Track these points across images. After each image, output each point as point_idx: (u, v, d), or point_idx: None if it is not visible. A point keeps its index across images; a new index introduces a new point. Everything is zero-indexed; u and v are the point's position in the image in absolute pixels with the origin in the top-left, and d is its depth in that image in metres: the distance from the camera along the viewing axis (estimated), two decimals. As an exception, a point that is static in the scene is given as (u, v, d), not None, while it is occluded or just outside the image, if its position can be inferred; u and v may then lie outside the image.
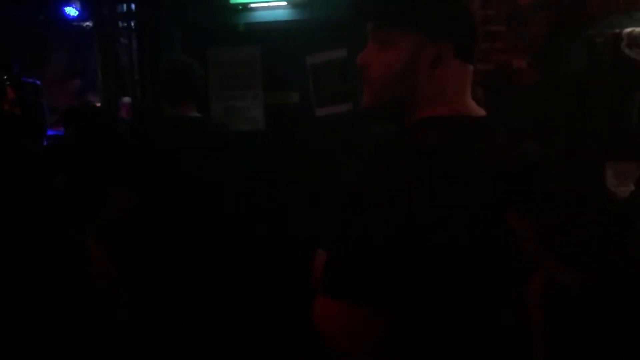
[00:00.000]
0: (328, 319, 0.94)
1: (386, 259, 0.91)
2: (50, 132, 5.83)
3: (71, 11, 6.13)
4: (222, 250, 2.21)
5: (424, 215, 0.92)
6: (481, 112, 1.12)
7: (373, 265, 0.91)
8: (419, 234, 0.92)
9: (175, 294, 2.05)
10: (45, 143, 5.25)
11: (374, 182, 0.96)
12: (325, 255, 1.05)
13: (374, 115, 1.15)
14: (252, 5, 3.63)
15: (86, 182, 3.23)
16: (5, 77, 5.41)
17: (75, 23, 6.78)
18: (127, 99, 6.12)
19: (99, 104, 5.71)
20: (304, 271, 1.25)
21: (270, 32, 3.65)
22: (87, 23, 6.96)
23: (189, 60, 2.54)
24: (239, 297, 2.29)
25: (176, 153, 2.33)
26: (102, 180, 2.82)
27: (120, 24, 5.60)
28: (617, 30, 2.67)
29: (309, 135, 3.62)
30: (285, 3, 3.59)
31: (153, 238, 2.19)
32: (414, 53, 1.06)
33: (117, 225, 2.26)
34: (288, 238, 3.24)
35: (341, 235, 0.97)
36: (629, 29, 2.65)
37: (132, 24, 5.32)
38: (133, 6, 4.97)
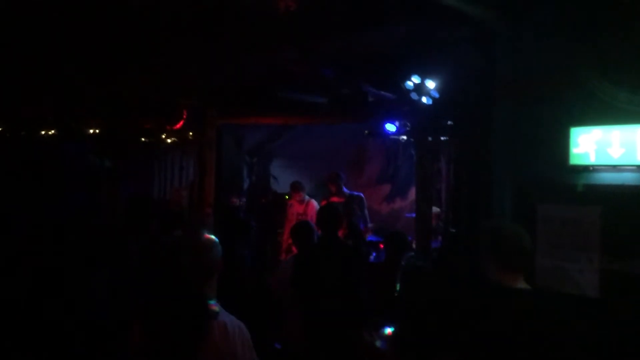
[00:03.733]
0: None
1: None
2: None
3: (391, 127, 6.74)
4: None
5: None
6: None
7: None
8: None
9: None
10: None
11: None
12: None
13: None
14: (595, 167, 3.45)
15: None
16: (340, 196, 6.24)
17: (392, 137, 7.44)
18: (436, 209, 6.46)
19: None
20: None
21: (614, 195, 3.40)
22: (402, 137, 7.58)
23: (522, 231, 2.51)
24: None
25: (507, 328, 2.30)
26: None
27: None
28: None
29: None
30: (634, 167, 3.31)
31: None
32: None
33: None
34: None
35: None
36: None
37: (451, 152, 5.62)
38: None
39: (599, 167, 3.46)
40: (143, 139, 6.28)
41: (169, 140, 6.52)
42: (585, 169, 3.50)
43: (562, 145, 3.54)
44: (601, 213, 3.44)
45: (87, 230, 4.92)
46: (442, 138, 6.06)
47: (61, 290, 3.83)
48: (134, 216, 4.88)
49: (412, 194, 7.43)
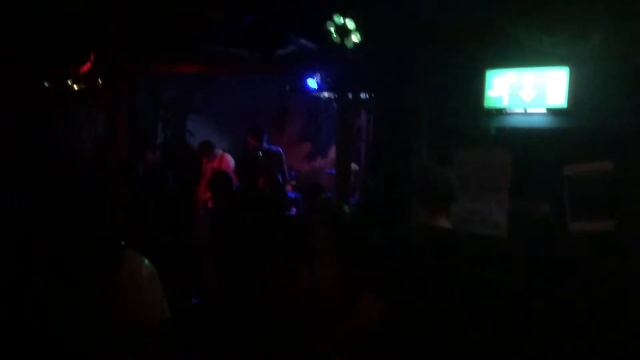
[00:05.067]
0: None
1: None
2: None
3: (312, 83, 6.62)
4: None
5: None
6: None
7: None
8: None
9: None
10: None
11: None
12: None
13: None
14: (508, 110, 3.54)
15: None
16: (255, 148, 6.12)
17: (314, 94, 7.35)
18: (354, 166, 6.53)
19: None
20: None
21: (524, 138, 3.51)
22: (324, 94, 7.51)
23: (445, 172, 2.54)
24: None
25: (425, 265, 2.34)
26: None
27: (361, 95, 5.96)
28: None
29: (559, 249, 3.37)
30: (544, 110, 3.42)
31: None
32: None
33: (367, 331, 2.31)
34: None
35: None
36: None
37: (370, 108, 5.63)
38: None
39: (512, 110, 3.55)
40: (46, 84, 5.79)
41: (76, 87, 6.05)
42: (499, 112, 3.59)
43: (479, 88, 3.60)
44: (511, 156, 3.56)
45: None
46: (362, 96, 6.05)
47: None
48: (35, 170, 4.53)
49: (332, 152, 7.41)
